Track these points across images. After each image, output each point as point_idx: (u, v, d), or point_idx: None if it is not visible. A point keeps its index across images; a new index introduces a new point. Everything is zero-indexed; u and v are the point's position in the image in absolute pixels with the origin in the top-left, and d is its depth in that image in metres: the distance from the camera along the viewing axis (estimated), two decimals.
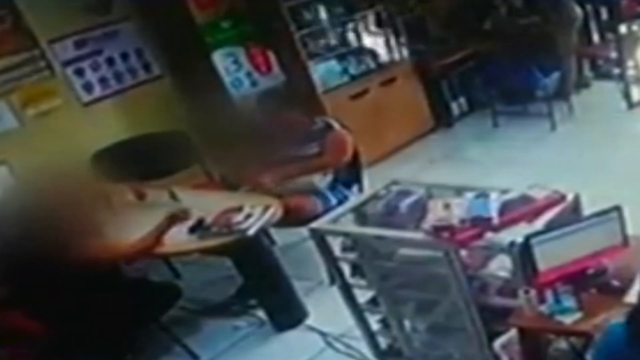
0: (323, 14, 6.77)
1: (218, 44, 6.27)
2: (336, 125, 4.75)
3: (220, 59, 6.27)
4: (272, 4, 6.33)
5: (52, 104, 5.67)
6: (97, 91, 5.98)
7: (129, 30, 6.13)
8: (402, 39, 7.20)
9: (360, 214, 3.38)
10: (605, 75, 7.56)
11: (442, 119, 7.54)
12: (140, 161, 5.37)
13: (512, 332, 2.91)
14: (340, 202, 4.40)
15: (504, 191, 3.09)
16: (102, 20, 5.92)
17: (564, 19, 6.88)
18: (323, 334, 4.12)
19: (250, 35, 6.49)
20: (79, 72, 5.88)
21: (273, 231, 4.73)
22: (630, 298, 2.61)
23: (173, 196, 4.57)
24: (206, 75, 6.22)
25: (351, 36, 7.13)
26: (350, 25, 7.08)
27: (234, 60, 6.38)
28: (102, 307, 3.67)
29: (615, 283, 2.75)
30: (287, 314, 4.35)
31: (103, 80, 6.01)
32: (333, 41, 6.98)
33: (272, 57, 6.58)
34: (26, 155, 5.16)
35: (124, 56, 6.13)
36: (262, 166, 4.71)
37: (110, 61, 6.05)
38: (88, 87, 5.92)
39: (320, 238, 3.31)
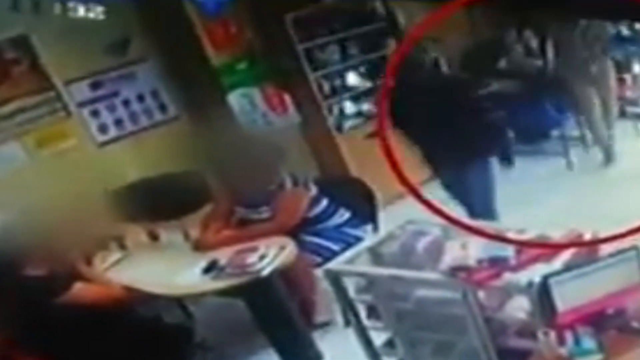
0: (338, 54, 6.81)
1: (234, 85, 6.31)
2: (288, 184, 4.56)
3: (235, 100, 6.30)
4: (287, 46, 6.39)
5: (66, 144, 5.71)
6: (113, 132, 6.02)
7: (145, 71, 6.18)
8: None
9: (376, 254, 3.34)
10: (621, 114, 7.53)
11: None
12: (154, 202, 5.35)
13: None
14: (350, 245, 4.33)
15: (521, 231, 3.06)
16: (118, 61, 5.99)
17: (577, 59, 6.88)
18: None
19: (266, 76, 6.53)
20: (95, 114, 5.92)
21: None
22: None
23: (187, 237, 4.56)
24: (221, 116, 6.24)
25: (366, 76, 7.14)
26: (365, 67, 7.10)
27: (249, 101, 6.41)
28: (115, 349, 3.64)
29: (635, 324, 2.69)
30: (300, 356, 4.29)
31: (119, 122, 6.05)
32: (348, 81, 7.00)
33: (288, 98, 6.61)
34: (39, 196, 5.16)
35: (140, 97, 6.17)
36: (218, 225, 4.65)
37: (126, 102, 6.10)
38: (103, 128, 5.96)
39: (334, 278, 3.27)
